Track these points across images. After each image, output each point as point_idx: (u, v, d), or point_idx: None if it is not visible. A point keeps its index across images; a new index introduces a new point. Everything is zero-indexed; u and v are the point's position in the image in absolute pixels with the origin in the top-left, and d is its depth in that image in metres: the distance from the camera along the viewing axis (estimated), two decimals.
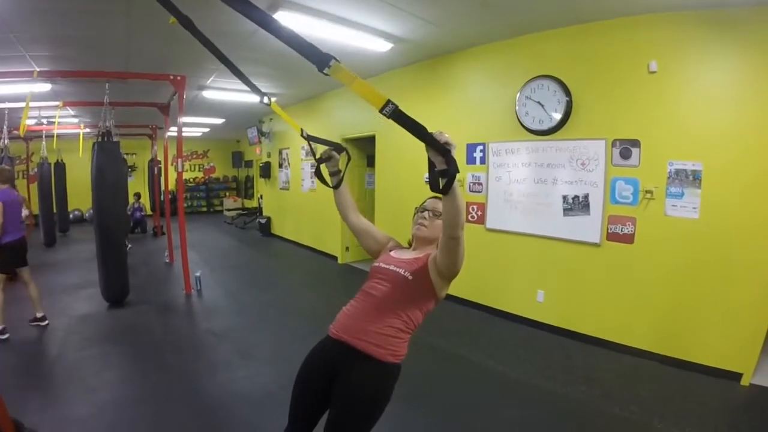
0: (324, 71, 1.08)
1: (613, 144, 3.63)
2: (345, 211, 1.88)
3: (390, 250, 1.82)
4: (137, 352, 3.76)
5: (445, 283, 1.62)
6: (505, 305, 4.58)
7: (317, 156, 1.85)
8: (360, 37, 4.28)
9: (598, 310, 3.81)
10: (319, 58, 1.07)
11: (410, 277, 1.58)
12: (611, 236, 3.69)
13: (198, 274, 5.67)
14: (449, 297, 4.93)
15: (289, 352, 3.54)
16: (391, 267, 1.66)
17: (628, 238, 3.58)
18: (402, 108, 1.09)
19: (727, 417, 2.77)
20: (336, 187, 1.84)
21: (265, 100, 1.63)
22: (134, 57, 5.01)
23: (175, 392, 3.06)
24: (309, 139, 2.03)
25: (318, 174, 1.86)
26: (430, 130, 1.15)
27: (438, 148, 1.16)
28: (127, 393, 3.05)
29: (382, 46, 4.57)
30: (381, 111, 1.09)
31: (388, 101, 1.08)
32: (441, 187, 1.20)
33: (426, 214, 1.74)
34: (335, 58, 1.07)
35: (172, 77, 5.25)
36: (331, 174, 1.85)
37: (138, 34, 4.25)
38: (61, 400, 2.91)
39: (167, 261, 7.28)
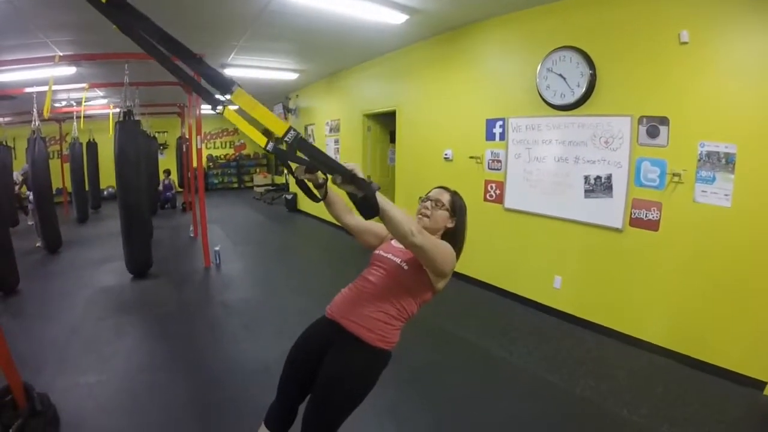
0: (227, 96, 1.13)
1: (640, 121, 3.28)
2: (340, 217, 1.75)
3: (391, 239, 1.79)
4: (151, 322, 3.92)
5: (441, 278, 1.59)
6: (520, 289, 4.38)
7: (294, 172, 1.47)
8: (374, 9, 4.08)
9: (616, 301, 3.54)
10: (223, 84, 1.10)
11: (405, 267, 1.58)
12: (634, 222, 3.39)
13: (217, 248, 5.75)
14: (461, 276, 4.93)
15: (292, 328, 3.43)
16: (389, 255, 1.66)
17: (653, 225, 3.27)
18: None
19: (747, 427, 2.49)
20: (324, 198, 1.55)
21: (219, 108, 1.31)
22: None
23: (179, 363, 3.17)
24: (275, 152, 1.42)
25: (301, 186, 1.48)
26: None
27: (345, 174, 1.19)
28: (134, 362, 3.18)
29: (398, 18, 4.32)
30: (282, 139, 1.09)
31: (290, 128, 1.10)
32: (369, 213, 1.27)
33: (428, 203, 1.72)
34: (238, 84, 1.13)
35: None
36: (317, 186, 1.50)
37: (150, 13, 4.16)
38: (74, 367, 3.06)
39: (192, 235, 7.43)
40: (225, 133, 14.94)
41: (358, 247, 6.69)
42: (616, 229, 3.50)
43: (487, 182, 4.66)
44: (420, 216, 1.70)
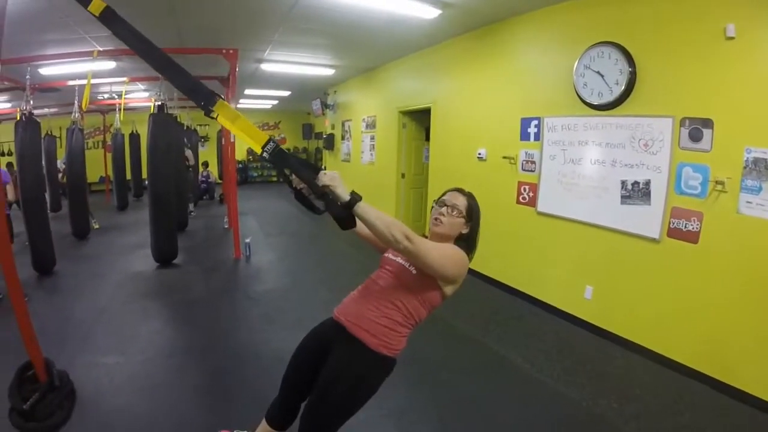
0: (210, 108, 1.21)
1: (682, 123, 3.08)
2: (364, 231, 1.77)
3: None
4: (174, 309, 4.12)
5: (450, 284, 1.57)
6: (548, 297, 4.24)
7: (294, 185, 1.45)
8: (406, 3, 4.09)
9: (648, 316, 3.34)
10: (205, 96, 1.17)
11: (414, 271, 1.55)
12: (672, 232, 3.18)
13: (248, 240, 5.91)
14: (487, 279, 4.83)
15: (310, 321, 3.52)
16: (398, 259, 1.64)
17: (693, 237, 3.06)
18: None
19: None
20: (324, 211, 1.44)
21: (213, 113, 1.32)
22: (186, 31, 5.14)
23: (196, 349, 3.30)
24: (270, 160, 1.46)
25: (300, 198, 1.43)
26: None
27: (315, 188, 1.22)
28: (154, 346, 3.34)
29: (430, 13, 4.30)
30: (262, 149, 1.14)
31: (270, 139, 1.14)
32: (343, 225, 1.33)
33: (444, 210, 1.68)
34: (221, 96, 1.19)
35: (224, 51, 5.37)
36: (320, 197, 1.42)
37: (186, 8, 4.36)
38: (96, 347, 3.25)
39: (226, 227, 7.69)
40: (266, 127, 15.33)
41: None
42: (653, 239, 3.31)
43: (520, 184, 4.54)
44: (435, 220, 1.68)
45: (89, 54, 4.97)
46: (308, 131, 14.78)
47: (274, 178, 15.64)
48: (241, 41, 5.52)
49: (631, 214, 3.47)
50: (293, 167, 1.15)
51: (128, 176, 10.16)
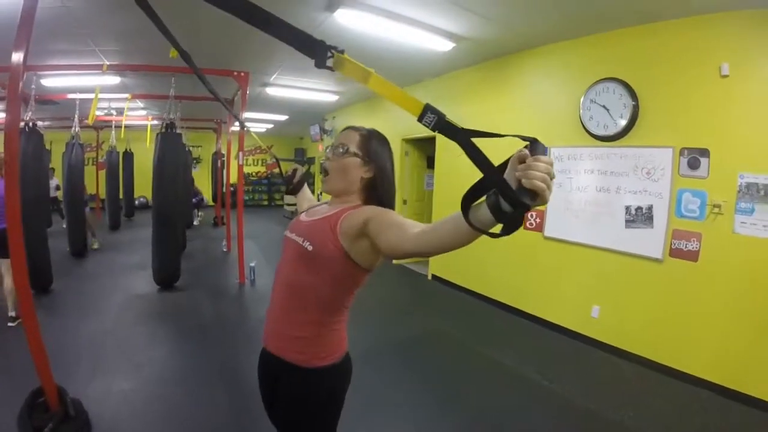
0: (327, 65, 0.89)
1: (681, 153, 3.58)
2: (301, 207, 1.86)
3: (303, 212, 1.59)
4: (185, 334, 4.15)
5: (376, 252, 1.26)
6: (557, 317, 4.60)
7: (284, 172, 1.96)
8: (421, 36, 4.44)
9: (655, 331, 3.75)
10: (314, 49, 0.88)
11: (310, 248, 1.30)
12: (674, 252, 3.63)
13: (253, 264, 6.08)
14: (497, 303, 5.17)
15: None
16: (293, 236, 1.40)
17: (693, 256, 3.51)
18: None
19: None
20: (295, 191, 1.90)
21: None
22: (199, 52, 5.48)
23: (215, 375, 3.34)
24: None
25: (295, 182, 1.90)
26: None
27: (506, 192, 0.78)
28: (169, 371, 3.38)
29: (444, 46, 4.71)
30: (420, 120, 0.84)
31: (427, 108, 0.83)
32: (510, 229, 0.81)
33: (329, 153, 1.42)
34: (336, 48, 0.88)
35: (235, 73, 5.69)
36: (299, 181, 1.90)
37: (204, 29, 4.61)
38: (107, 372, 3.24)
39: (224, 250, 7.91)
40: (257, 151, 15.73)
41: (390, 267, 7.05)
42: (656, 260, 3.74)
43: (528, 210, 4.94)
44: (323, 175, 1.44)
45: (97, 67, 5.12)
46: (301, 155, 15.17)
47: (266, 202, 15.95)
48: (252, 64, 5.87)
49: (635, 236, 3.90)
50: (477, 158, 0.81)
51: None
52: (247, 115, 10.45)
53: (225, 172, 9.53)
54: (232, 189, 12.51)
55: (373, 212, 1.23)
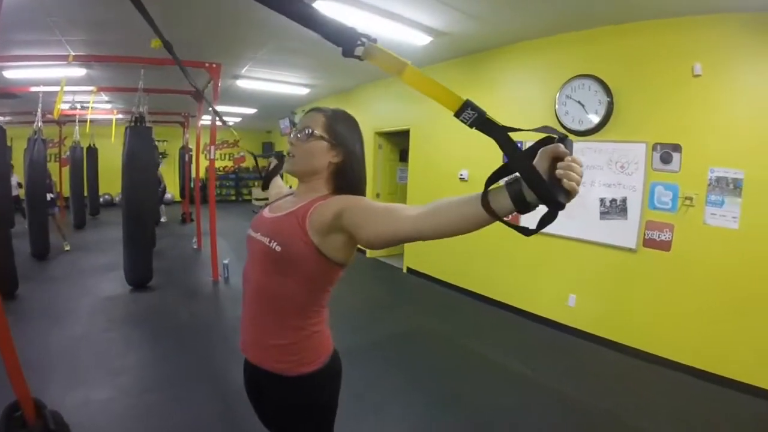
0: (356, 54, 0.85)
1: (654, 148, 3.73)
2: (270, 194, 1.80)
3: (268, 205, 1.49)
4: (162, 336, 3.98)
5: (352, 245, 1.21)
6: (535, 308, 4.72)
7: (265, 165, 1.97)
8: (399, 30, 4.40)
9: (630, 318, 3.92)
10: (345, 37, 0.83)
11: (278, 249, 1.20)
12: (648, 242, 3.79)
13: (226, 261, 5.96)
14: (476, 296, 5.26)
15: None
16: (258, 235, 1.30)
17: (665, 245, 3.68)
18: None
19: None
20: (267, 183, 1.86)
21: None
22: (171, 42, 5.32)
23: (196, 378, 3.23)
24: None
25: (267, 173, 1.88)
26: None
27: (541, 189, 0.75)
28: (147, 378, 3.23)
29: (422, 40, 4.70)
30: (458, 116, 0.79)
31: (467, 103, 0.79)
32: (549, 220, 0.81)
33: (293, 137, 1.31)
34: (369, 37, 0.84)
35: (207, 65, 5.52)
36: (268, 175, 1.86)
37: (175, 19, 4.39)
38: (84, 382, 3.08)
39: (195, 247, 7.70)
40: (225, 145, 15.36)
41: (366, 263, 7.07)
42: (630, 249, 3.90)
43: None
44: (288, 157, 1.32)
45: (63, 58, 4.87)
46: (269, 149, 14.93)
47: (233, 197, 15.62)
48: (225, 56, 5.70)
49: (610, 228, 4.05)
50: (508, 146, 0.78)
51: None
52: (216, 108, 10.20)
53: (195, 166, 9.25)
54: (200, 184, 12.19)
55: (346, 202, 1.16)
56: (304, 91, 8.26)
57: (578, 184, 0.75)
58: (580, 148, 4.20)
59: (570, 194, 0.74)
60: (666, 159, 3.66)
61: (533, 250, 4.71)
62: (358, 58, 0.84)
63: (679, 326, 3.62)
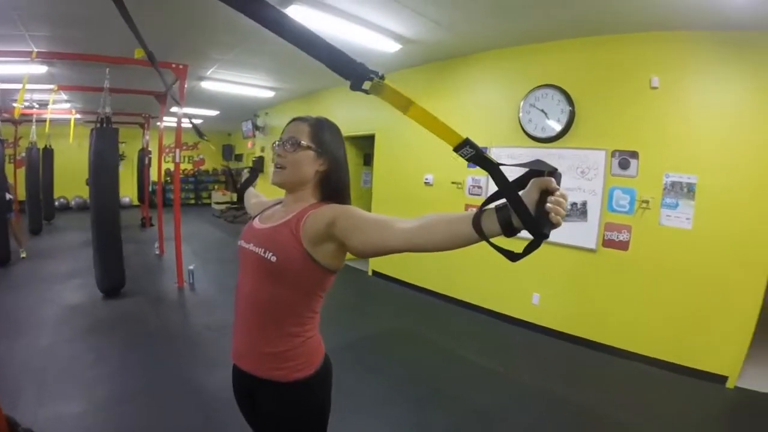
0: (363, 88, 0.85)
1: (613, 154, 3.89)
2: (248, 203, 1.80)
3: (257, 215, 1.45)
4: (132, 345, 3.78)
5: (343, 253, 1.22)
6: (502, 307, 4.81)
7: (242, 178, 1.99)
8: (370, 37, 4.40)
9: (593, 314, 4.07)
10: (354, 73, 0.83)
11: (273, 259, 1.19)
12: (607, 243, 3.95)
13: (191, 267, 5.75)
14: (442, 297, 5.32)
15: None
16: (251, 246, 1.28)
17: (624, 245, 3.84)
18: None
19: (716, 417, 3.07)
20: (242, 194, 1.90)
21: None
22: (136, 43, 5.09)
23: (174, 387, 3.11)
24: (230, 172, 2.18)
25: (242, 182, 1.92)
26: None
27: (527, 218, 0.80)
28: (120, 388, 3.06)
29: (391, 47, 4.72)
30: (457, 151, 0.84)
31: (466, 141, 0.83)
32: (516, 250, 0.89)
33: (280, 149, 1.29)
34: (377, 73, 0.84)
35: (174, 66, 5.33)
36: (241, 187, 1.90)
37: (146, 19, 4.22)
38: (56, 396, 2.91)
39: (157, 253, 7.36)
40: (185, 147, 14.82)
41: None
42: (591, 250, 4.05)
43: (467, 206, 5.11)
44: (274, 168, 1.31)
45: (26, 54, 4.55)
46: (228, 153, 14.53)
47: (192, 201, 15.06)
48: (192, 57, 5.51)
49: (571, 229, 4.18)
50: (500, 180, 0.82)
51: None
52: (176, 109, 9.84)
53: (155, 169, 8.85)
54: (157, 188, 11.71)
55: (339, 212, 1.17)
56: (269, 94, 8.13)
57: (563, 218, 0.79)
58: (543, 154, 4.34)
59: (555, 226, 0.80)
60: (624, 165, 3.82)
61: (495, 252, 4.78)
62: (365, 92, 0.86)
63: (637, 320, 3.79)
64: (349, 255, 1.21)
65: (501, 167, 0.83)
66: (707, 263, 3.43)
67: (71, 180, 11.37)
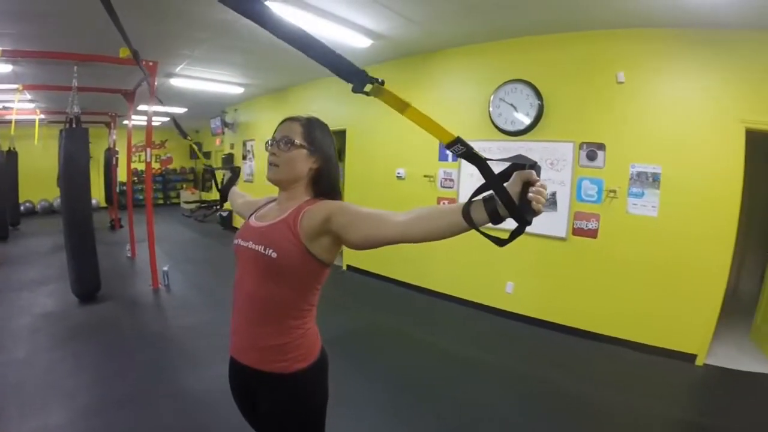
0: (364, 90, 0.91)
1: (581, 147, 4.00)
2: (235, 204, 1.82)
3: (251, 214, 1.48)
4: (112, 351, 3.66)
5: (338, 246, 1.27)
6: (476, 296, 4.89)
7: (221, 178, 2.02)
8: (342, 32, 4.36)
9: (565, 300, 4.19)
10: (357, 77, 0.90)
11: (274, 255, 1.22)
12: (577, 231, 4.06)
13: (166, 268, 5.60)
14: (418, 288, 5.36)
15: None
16: (250, 244, 1.30)
17: (593, 233, 3.96)
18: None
19: (686, 393, 3.25)
20: (225, 194, 1.93)
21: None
22: (106, 38, 4.85)
23: (159, 391, 3.04)
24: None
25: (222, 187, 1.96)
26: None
27: (511, 207, 0.90)
28: (103, 397, 2.94)
29: (363, 42, 4.68)
30: (449, 148, 0.90)
31: (457, 139, 0.89)
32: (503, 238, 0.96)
33: (274, 148, 1.32)
34: (377, 80, 0.92)
35: (144, 62, 5.13)
36: (224, 187, 1.93)
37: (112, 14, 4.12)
38: (38, 408, 2.78)
39: (129, 255, 7.12)
40: (152, 146, 14.33)
41: None
42: (561, 238, 4.16)
43: (439, 199, 5.16)
44: (269, 166, 1.34)
45: None
46: (196, 152, 14.16)
47: (161, 201, 14.58)
48: (161, 54, 5.33)
49: (542, 219, 4.20)
50: (487, 173, 0.89)
51: None
52: (143, 107, 9.49)
53: (127, 169, 8.47)
54: (123, 188, 11.30)
55: (334, 208, 1.21)
56: (238, 90, 7.96)
57: (543, 206, 0.89)
58: (513, 147, 4.41)
59: (536, 213, 0.89)
60: (592, 156, 3.93)
61: (470, 243, 4.80)
62: (366, 94, 0.92)
63: (608, 304, 3.93)
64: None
65: (488, 161, 0.91)
66: (673, 248, 3.58)
67: (37, 183, 10.89)
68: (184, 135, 2.40)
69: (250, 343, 1.31)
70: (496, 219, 0.92)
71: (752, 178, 3.66)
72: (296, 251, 1.21)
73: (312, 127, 1.34)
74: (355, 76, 0.90)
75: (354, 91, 0.91)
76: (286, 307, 1.27)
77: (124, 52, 4.47)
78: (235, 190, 1.91)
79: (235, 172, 1.98)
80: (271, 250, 1.22)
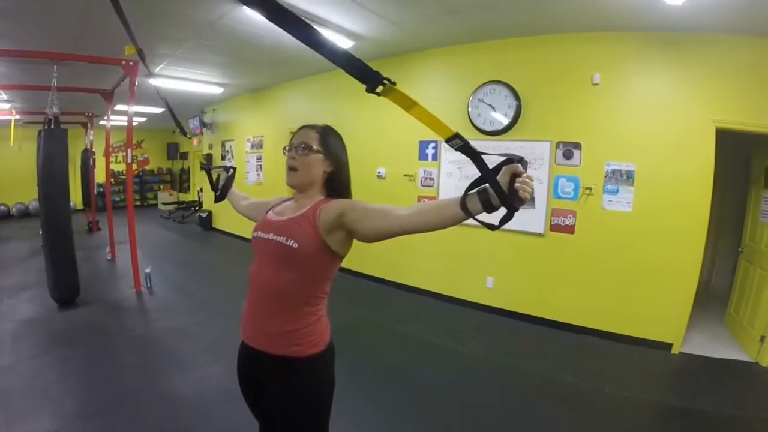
0: (376, 91, 0.96)
1: (557, 146, 4.06)
2: (238, 205, 1.89)
3: (267, 210, 1.55)
4: (97, 355, 3.55)
5: (350, 240, 1.36)
6: (458, 292, 4.91)
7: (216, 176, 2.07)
8: (323, 33, 4.30)
9: (545, 294, 4.26)
10: (371, 79, 0.95)
11: (295, 245, 1.29)
12: (554, 227, 4.13)
13: (148, 270, 5.46)
14: (401, 286, 5.35)
15: None
16: (271, 236, 1.37)
17: (570, 229, 4.04)
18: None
19: (664, 380, 3.34)
20: (223, 197, 1.97)
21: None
22: (86, 37, 4.69)
23: (146, 394, 2.96)
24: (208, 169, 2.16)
25: (220, 188, 1.98)
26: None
27: (502, 196, 0.98)
28: (93, 399, 2.89)
29: (344, 43, 4.64)
30: (448, 142, 0.98)
31: (456, 135, 0.96)
32: (494, 222, 1.05)
33: (293, 152, 1.42)
34: (390, 80, 0.96)
35: (124, 62, 4.98)
36: (224, 186, 1.95)
37: (93, 11, 3.93)
38: (25, 415, 2.70)
39: (109, 258, 6.91)
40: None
41: None
42: (539, 234, 4.22)
43: (420, 198, 5.16)
44: (288, 171, 1.43)
45: None
46: (173, 151, 13.84)
47: (138, 202, 14.15)
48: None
49: (520, 216, 4.25)
50: (481, 165, 0.99)
51: None
52: (120, 107, 9.21)
53: (105, 170, 8.21)
54: (100, 189, 10.92)
55: (347, 205, 1.30)
56: (218, 90, 7.79)
57: (530, 195, 0.98)
58: (491, 146, 4.44)
59: (523, 201, 0.98)
60: (568, 155, 4.00)
61: (451, 240, 4.87)
62: (377, 94, 0.98)
63: (586, 297, 4.01)
64: None
65: (482, 155, 1.00)
66: (648, 242, 3.68)
67: (11, 186, 10.56)
68: (184, 132, 2.36)
69: (266, 330, 1.36)
70: (489, 208, 1.01)
71: (723, 175, 3.79)
72: (315, 243, 1.29)
73: (327, 134, 1.46)
74: (370, 78, 0.95)
75: (368, 91, 0.97)
76: (303, 294, 1.33)
77: (129, 50, 4.36)
78: (235, 191, 1.96)
79: (232, 172, 1.99)
80: (292, 241, 1.29)
